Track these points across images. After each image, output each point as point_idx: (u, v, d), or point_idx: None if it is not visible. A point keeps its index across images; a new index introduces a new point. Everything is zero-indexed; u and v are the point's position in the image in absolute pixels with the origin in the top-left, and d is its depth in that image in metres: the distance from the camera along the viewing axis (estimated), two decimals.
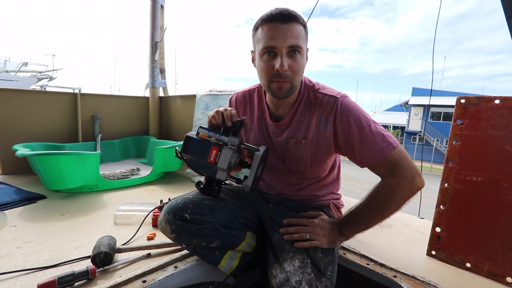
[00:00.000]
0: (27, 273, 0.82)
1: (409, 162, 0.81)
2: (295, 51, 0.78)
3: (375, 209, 0.82)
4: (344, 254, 0.99)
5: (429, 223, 1.02)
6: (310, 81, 0.92)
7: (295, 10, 0.85)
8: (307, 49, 0.85)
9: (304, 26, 0.81)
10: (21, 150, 1.49)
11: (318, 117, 0.86)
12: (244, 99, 1.03)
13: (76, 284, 0.77)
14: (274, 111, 0.94)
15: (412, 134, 19.99)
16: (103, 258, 0.84)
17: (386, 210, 0.82)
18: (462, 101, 0.93)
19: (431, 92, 2.08)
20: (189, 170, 2.13)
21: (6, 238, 1.03)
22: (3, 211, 1.26)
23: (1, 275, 0.80)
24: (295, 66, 0.79)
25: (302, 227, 0.86)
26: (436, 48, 1.71)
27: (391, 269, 0.90)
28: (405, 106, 21.88)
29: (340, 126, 0.83)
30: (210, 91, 2.15)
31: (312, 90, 0.89)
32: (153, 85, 2.66)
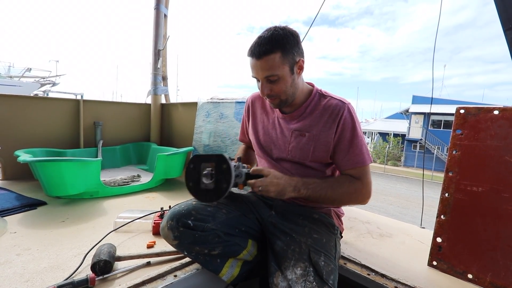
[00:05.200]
0: (26, 281, 0.82)
1: (371, 178, 0.95)
2: (273, 78, 0.89)
3: (335, 192, 0.91)
4: (345, 264, 0.98)
5: (430, 233, 1.01)
6: (321, 89, 1.03)
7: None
8: (297, 61, 0.91)
9: (283, 49, 0.86)
10: (23, 156, 1.50)
11: (326, 116, 0.95)
12: (260, 97, 1.14)
13: None
14: (285, 109, 1.04)
15: (413, 142, 19.97)
16: (103, 266, 0.84)
17: (340, 200, 0.94)
18: (462, 111, 0.94)
19: (431, 100, 2.08)
20: None
21: (6, 245, 1.03)
22: (3, 217, 1.26)
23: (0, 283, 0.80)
24: (275, 89, 0.92)
25: (260, 181, 0.86)
26: (436, 57, 1.72)
27: (392, 279, 0.89)
28: (406, 114, 21.92)
29: (340, 128, 0.93)
30: (211, 98, 2.17)
31: (322, 95, 1.00)
32: (155, 92, 2.68)
